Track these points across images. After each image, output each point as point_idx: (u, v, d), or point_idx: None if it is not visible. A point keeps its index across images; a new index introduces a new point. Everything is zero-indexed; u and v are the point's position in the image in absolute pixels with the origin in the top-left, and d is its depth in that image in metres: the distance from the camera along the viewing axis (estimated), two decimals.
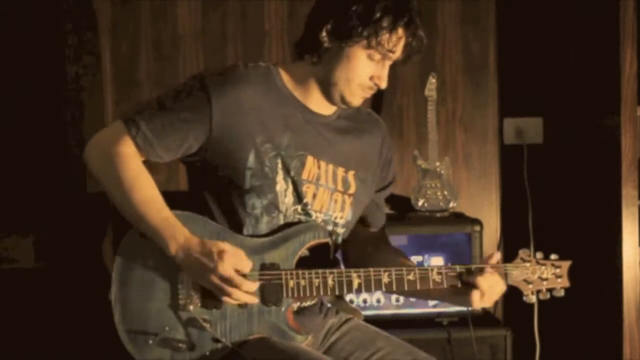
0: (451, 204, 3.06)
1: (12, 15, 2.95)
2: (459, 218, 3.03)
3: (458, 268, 1.96)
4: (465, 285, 1.95)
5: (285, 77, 2.03)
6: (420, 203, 3.05)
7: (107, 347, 2.61)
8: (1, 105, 2.95)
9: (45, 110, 2.97)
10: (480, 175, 3.32)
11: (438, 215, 3.04)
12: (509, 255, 3.40)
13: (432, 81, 3.06)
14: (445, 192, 3.05)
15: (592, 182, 2.98)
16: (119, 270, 1.93)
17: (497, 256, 1.99)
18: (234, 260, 1.84)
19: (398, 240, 2.92)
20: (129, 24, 3.13)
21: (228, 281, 1.84)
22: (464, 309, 2.84)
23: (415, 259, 2.91)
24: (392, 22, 1.92)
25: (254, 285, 1.88)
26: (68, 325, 2.89)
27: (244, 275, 1.86)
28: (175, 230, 1.88)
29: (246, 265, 1.87)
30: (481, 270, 1.94)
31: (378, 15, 1.91)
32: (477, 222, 2.95)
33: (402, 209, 3.00)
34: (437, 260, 2.91)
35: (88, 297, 2.90)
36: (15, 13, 2.94)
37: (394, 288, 1.95)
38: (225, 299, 1.87)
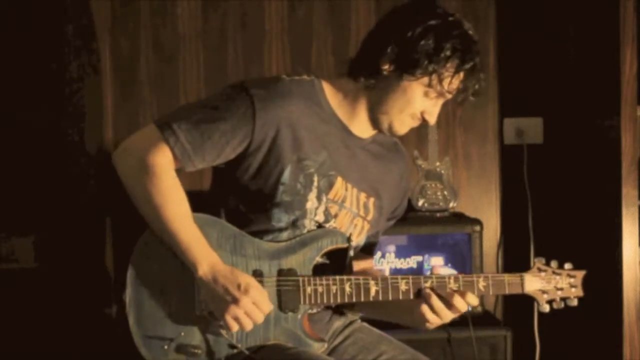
0: (451, 204, 3.05)
1: (12, 15, 2.94)
2: (459, 218, 3.02)
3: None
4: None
5: (329, 94, 1.99)
6: (420, 203, 3.05)
7: (108, 348, 2.62)
8: (1, 105, 2.95)
9: (46, 110, 2.97)
10: (480, 175, 3.32)
11: (438, 215, 3.03)
12: (508, 256, 3.41)
13: None
14: (445, 192, 3.05)
15: (592, 182, 2.98)
16: (133, 273, 1.90)
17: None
18: (258, 297, 1.83)
19: (398, 240, 2.92)
20: (129, 24, 3.12)
21: (247, 314, 1.82)
22: None
23: (415, 259, 2.92)
24: (457, 65, 1.89)
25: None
26: (68, 326, 2.88)
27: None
28: (206, 251, 1.85)
29: (267, 307, 1.85)
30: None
31: (445, 55, 1.87)
32: (477, 222, 2.95)
33: None
34: (437, 261, 2.91)
35: (88, 298, 2.90)
36: (16, 13, 2.94)
37: (411, 296, 1.92)
38: (233, 326, 1.84)
